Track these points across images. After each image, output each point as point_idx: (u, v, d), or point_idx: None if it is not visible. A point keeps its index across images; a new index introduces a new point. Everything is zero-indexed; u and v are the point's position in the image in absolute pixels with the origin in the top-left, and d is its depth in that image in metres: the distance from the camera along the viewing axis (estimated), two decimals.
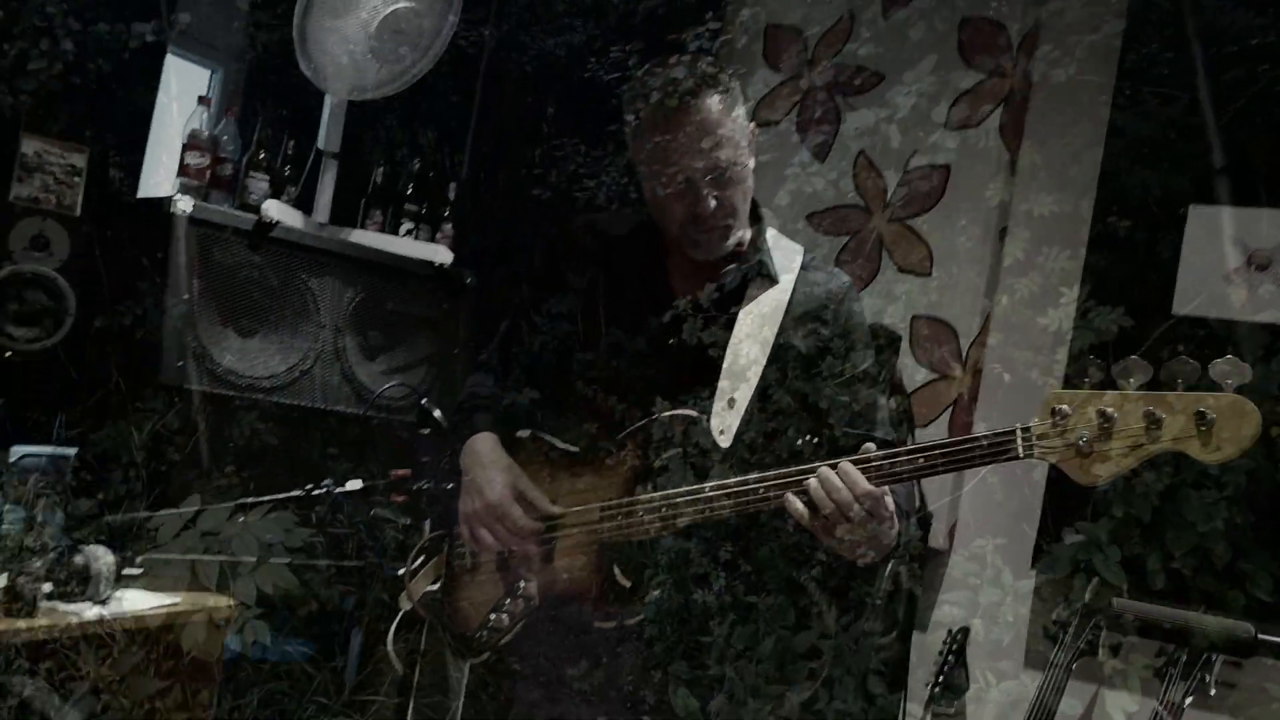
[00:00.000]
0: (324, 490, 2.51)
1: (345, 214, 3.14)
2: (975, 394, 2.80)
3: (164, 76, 3.28)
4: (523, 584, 1.87)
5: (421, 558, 2.01)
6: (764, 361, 1.90)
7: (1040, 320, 2.77)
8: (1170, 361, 1.47)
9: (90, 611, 2.33)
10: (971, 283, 2.81)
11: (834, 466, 1.65)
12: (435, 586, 2.00)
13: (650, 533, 1.78)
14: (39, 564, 2.29)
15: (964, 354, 2.79)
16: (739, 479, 1.74)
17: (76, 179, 2.80)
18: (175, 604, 2.51)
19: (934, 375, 2.82)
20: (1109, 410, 1.50)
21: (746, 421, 1.86)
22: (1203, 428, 1.44)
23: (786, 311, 1.94)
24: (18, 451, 2.91)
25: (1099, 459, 1.50)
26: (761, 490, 1.72)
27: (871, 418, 1.91)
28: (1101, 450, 1.50)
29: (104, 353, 2.68)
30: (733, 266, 1.93)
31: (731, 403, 1.88)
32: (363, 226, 3.18)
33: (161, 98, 3.30)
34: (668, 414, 1.87)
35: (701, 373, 1.90)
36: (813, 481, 1.65)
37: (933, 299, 2.84)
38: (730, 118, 1.83)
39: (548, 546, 1.85)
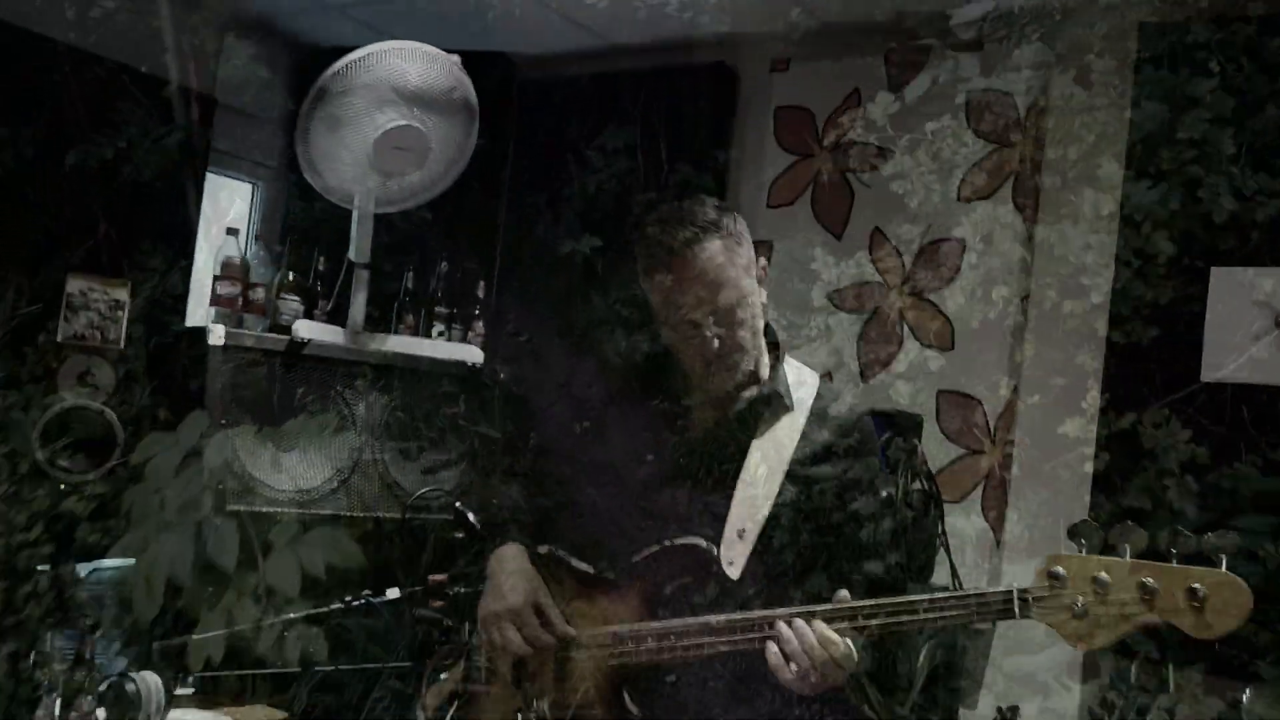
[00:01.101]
0: (362, 601, 2.58)
1: (380, 322, 3.24)
2: (1007, 466, 2.76)
3: (205, 196, 3.45)
4: (536, 702, 1.90)
5: (444, 669, 2.05)
6: (776, 491, 1.92)
7: (1065, 383, 2.73)
8: (1167, 532, 1.53)
9: None
10: (995, 354, 2.77)
11: (810, 619, 1.68)
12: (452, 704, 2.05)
13: (658, 661, 1.80)
14: (89, 700, 2.39)
15: (992, 427, 2.75)
16: (734, 616, 1.76)
17: (120, 313, 2.94)
18: None
19: (963, 451, 2.78)
20: (1104, 577, 1.53)
21: (758, 553, 1.88)
22: (1194, 604, 1.47)
23: (802, 438, 1.97)
24: (86, 568, 3.07)
25: (1094, 624, 1.54)
26: (758, 627, 1.74)
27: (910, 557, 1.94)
28: (1096, 615, 1.53)
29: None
30: (749, 394, 1.97)
31: (742, 533, 1.89)
32: (396, 332, 3.26)
33: (205, 213, 3.47)
34: (678, 542, 1.89)
35: (715, 502, 1.93)
36: (788, 635, 1.68)
37: (957, 373, 2.81)
38: (733, 260, 1.87)
39: (561, 667, 1.88)
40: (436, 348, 3.24)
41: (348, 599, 2.61)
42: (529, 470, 2.16)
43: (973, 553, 2.72)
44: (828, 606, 1.70)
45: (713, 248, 1.85)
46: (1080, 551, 1.58)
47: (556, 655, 1.88)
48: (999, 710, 2.71)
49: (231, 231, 3.06)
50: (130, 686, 2.53)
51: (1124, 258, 2.66)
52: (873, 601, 1.69)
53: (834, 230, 3.07)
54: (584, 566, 1.96)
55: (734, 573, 1.86)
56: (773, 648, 1.69)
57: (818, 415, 2.01)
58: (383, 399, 3.07)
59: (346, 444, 2.99)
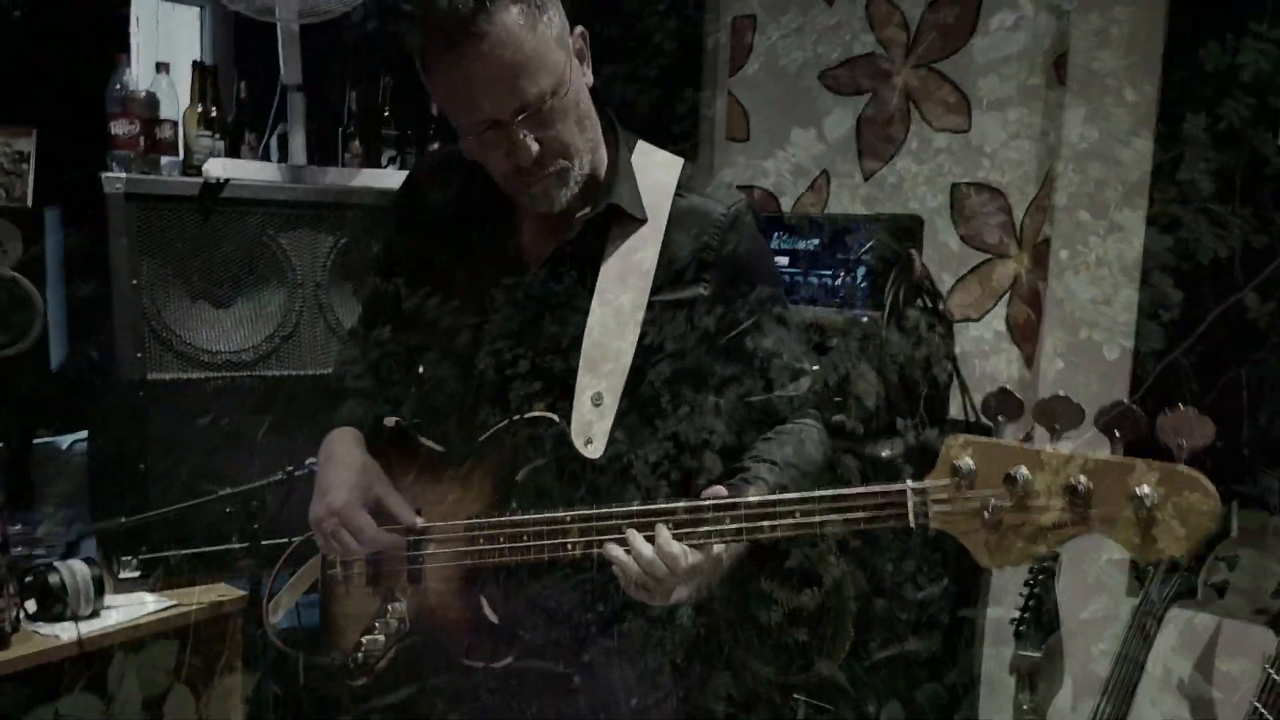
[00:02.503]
0: (305, 471, 2.32)
1: (324, 153, 2.87)
2: (1041, 269, 2.25)
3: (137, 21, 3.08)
4: (393, 604, 1.59)
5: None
6: (635, 336, 1.51)
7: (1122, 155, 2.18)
8: (1113, 409, 1.12)
9: (68, 632, 2.25)
10: (1023, 133, 2.23)
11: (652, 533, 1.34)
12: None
13: (517, 563, 1.46)
14: (10, 589, 2.21)
15: (1019, 224, 2.24)
16: (586, 513, 1.40)
17: (24, 165, 2.63)
18: (174, 605, 2.42)
19: (984, 256, 2.29)
20: (1022, 474, 1.14)
21: (624, 425, 1.50)
22: (1140, 512, 1.08)
23: (660, 258, 1.54)
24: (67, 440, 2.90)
25: (1009, 536, 1.16)
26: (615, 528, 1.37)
27: (779, 376, 1.50)
28: (1012, 524, 1.15)
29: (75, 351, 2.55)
30: (585, 212, 1.53)
31: (598, 399, 1.50)
32: (342, 163, 2.89)
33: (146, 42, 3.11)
34: (526, 416, 1.51)
35: (564, 362, 1.54)
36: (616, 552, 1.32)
37: (975, 160, 2.29)
38: (537, 32, 1.40)
39: (415, 565, 1.56)
40: (387, 177, 2.86)
41: (289, 468, 2.36)
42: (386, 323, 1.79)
43: (998, 382, 2.26)
44: (670, 506, 1.33)
45: (506, 18, 1.38)
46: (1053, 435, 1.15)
47: (409, 553, 1.55)
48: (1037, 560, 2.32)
49: (161, 67, 2.72)
50: (54, 578, 2.36)
51: None
52: (712, 501, 1.30)
53: None
54: (433, 445, 1.61)
55: (593, 452, 1.47)
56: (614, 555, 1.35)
57: (680, 220, 1.56)
58: (326, 242, 2.72)
59: (284, 295, 2.67)
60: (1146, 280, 2.07)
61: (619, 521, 1.37)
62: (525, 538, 1.44)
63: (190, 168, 2.62)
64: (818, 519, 1.26)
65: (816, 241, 2.10)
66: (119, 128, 2.53)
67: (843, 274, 2.06)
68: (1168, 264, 2.03)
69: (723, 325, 1.55)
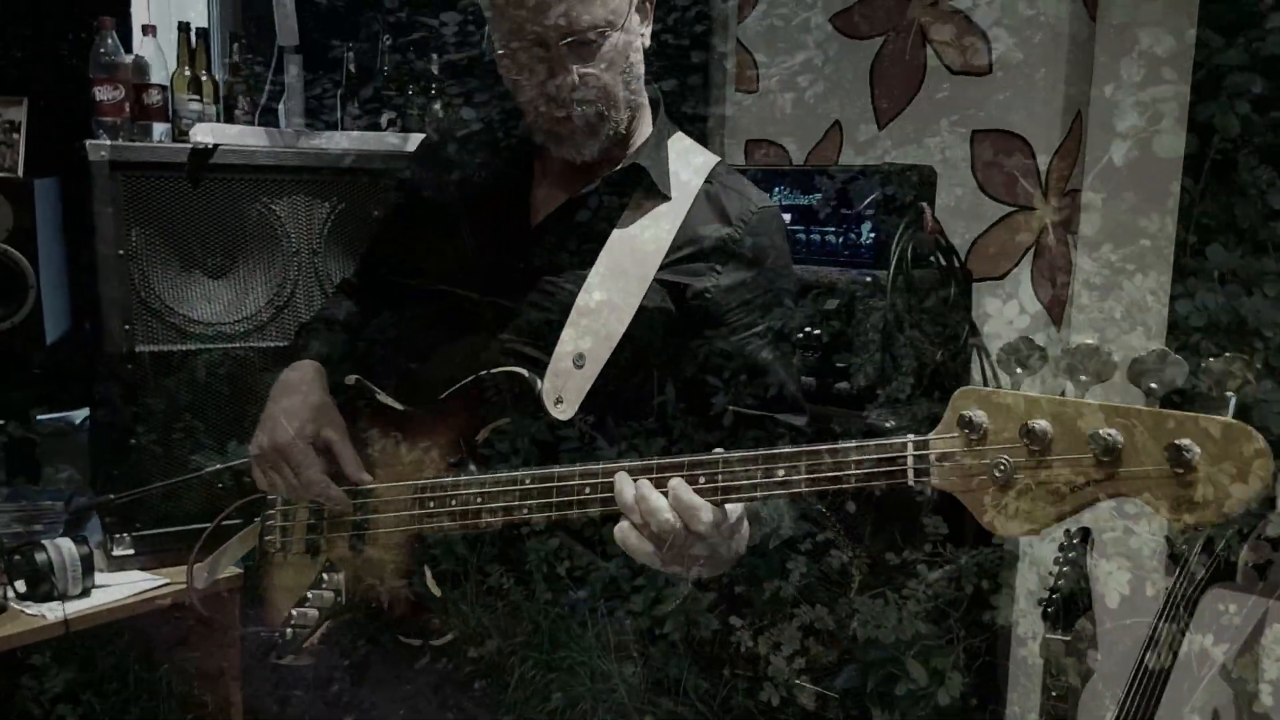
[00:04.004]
0: None
1: (323, 116, 2.78)
2: (1071, 223, 2.08)
3: None
4: (330, 575, 1.49)
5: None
6: (634, 306, 1.43)
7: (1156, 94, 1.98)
8: (1145, 357, 0.98)
9: (54, 612, 2.20)
10: (1050, 74, 2.05)
11: (662, 483, 1.18)
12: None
13: (470, 528, 1.35)
14: None
15: (1044, 173, 2.07)
16: (551, 471, 1.26)
17: (15, 135, 2.57)
18: (167, 583, 2.36)
19: (1008, 208, 2.12)
20: (1041, 427, 0.99)
21: (603, 389, 1.41)
22: (1179, 469, 0.93)
23: (677, 238, 1.46)
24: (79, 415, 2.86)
25: (1024, 499, 1.00)
26: (575, 491, 1.24)
27: (771, 392, 1.40)
28: (1027, 485, 1.00)
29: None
30: (609, 171, 1.49)
31: (580, 359, 1.41)
32: (342, 126, 2.79)
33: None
34: (495, 372, 1.41)
35: (549, 318, 1.47)
36: (627, 494, 1.16)
37: (997, 105, 2.11)
38: None
39: (357, 531, 1.46)
40: (385, 139, 2.76)
41: None
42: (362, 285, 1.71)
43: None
44: (645, 463, 1.19)
45: None
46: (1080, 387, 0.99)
47: (354, 519, 1.45)
48: (1066, 534, 2.16)
49: (148, 30, 2.65)
50: (41, 556, 2.31)
51: None
52: (688, 459, 1.17)
53: None
54: (392, 402, 1.50)
55: (563, 413, 1.38)
56: (623, 523, 1.20)
57: (705, 206, 1.49)
58: (322, 208, 2.63)
59: (280, 264, 2.58)
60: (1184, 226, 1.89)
61: (583, 481, 1.24)
62: (479, 500, 1.32)
63: (180, 134, 2.54)
64: (805, 476, 1.13)
65: (819, 196, 1.95)
66: (104, 94, 2.46)
67: (847, 230, 1.91)
68: (1209, 214, 1.85)
69: (727, 322, 1.48)
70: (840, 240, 1.92)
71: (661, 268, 1.44)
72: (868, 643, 1.31)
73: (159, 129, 2.56)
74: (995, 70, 2.11)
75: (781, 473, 1.11)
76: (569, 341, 1.41)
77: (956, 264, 1.98)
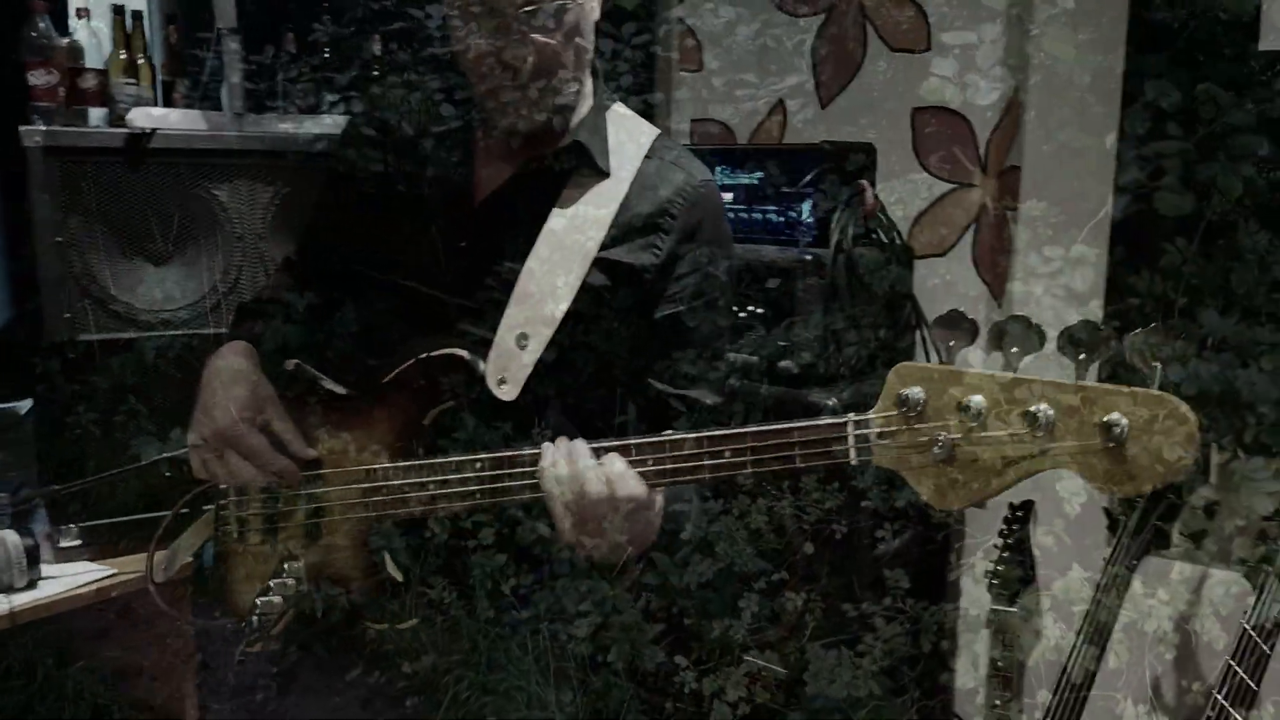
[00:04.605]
0: None
1: (263, 99, 2.74)
2: (1009, 197, 2.09)
3: None
4: (290, 563, 1.48)
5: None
6: (575, 287, 1.42)
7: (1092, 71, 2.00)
8: (1074, 327, 1.01)
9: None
10: (986, 52, 2.06)
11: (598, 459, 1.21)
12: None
13: (423, 513, 1.35)
14: None
15: (983, 150, 2.08)
16: (495, 455, 1.27)
17: None
18: (114, 573, 2.34)
19: (949, 185, 2.14)
20: (977, 403, 1.02)
21: (547, 369, 1.41)
22: (1110, 443, 0.96)
23: (617, 217, 1.46)
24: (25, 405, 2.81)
25: (962, 473, 1.02)
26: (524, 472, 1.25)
27: (694, 370, 1.41)
28: (965, 460, 1.02)
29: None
30: (547, 150, 1.48)
31: (523, 339, 1.40)
32: (284, 110, 2.75)
33: None
34: (435, 354, 1.40)
35: (492, 297, 1.46)
36: (561, 470, 1.17)
37: (936, 82, 2.12)
38: None
39: (314, 521, 1.45)
40: (328, 123, 2.73)
41: None
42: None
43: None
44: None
45: None
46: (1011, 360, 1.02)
47: (307, 506, 1.44)
48: (1010, 508, 2.19)
49: (81, 14, 2.59)
50: None
51: None
52: (636, 441, 1.18)
53: None
54: (335, 387, 1.49)
55: (507, 394, 1.38)
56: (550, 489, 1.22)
57: (645, 182, 1.49)
58: (266, 193, 2.60)
59: (223, 249, 2.56)
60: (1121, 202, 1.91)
61: (530, 460, 1.26)
62: (430, 486, 1.32)
63: (118, 119, 2.50)
64: (749, 458, 1.15)
65: (760, 175, 1.96)
66: (38, 78, 2.40)
67: (787, 209, 1.92)
68: (1141, 184, 1.87)
69: (662, 298, 1.48)
70: (781, 219, 1.93)
71: (602, 247, 1.43)
72: (816, 695, 1.31)
73: (96, 114, 2.52)
74: (935, 48, 2.12)
75: (728, 454, 1.12)
76: (511, 321, 1.40)
77: (897, 241, 2.00)
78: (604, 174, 1.46)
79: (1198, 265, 1.72)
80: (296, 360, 1.55)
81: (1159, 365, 1.01)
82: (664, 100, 2.59)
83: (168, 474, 2.36)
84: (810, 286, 1.81)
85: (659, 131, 1.56)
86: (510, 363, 1.38)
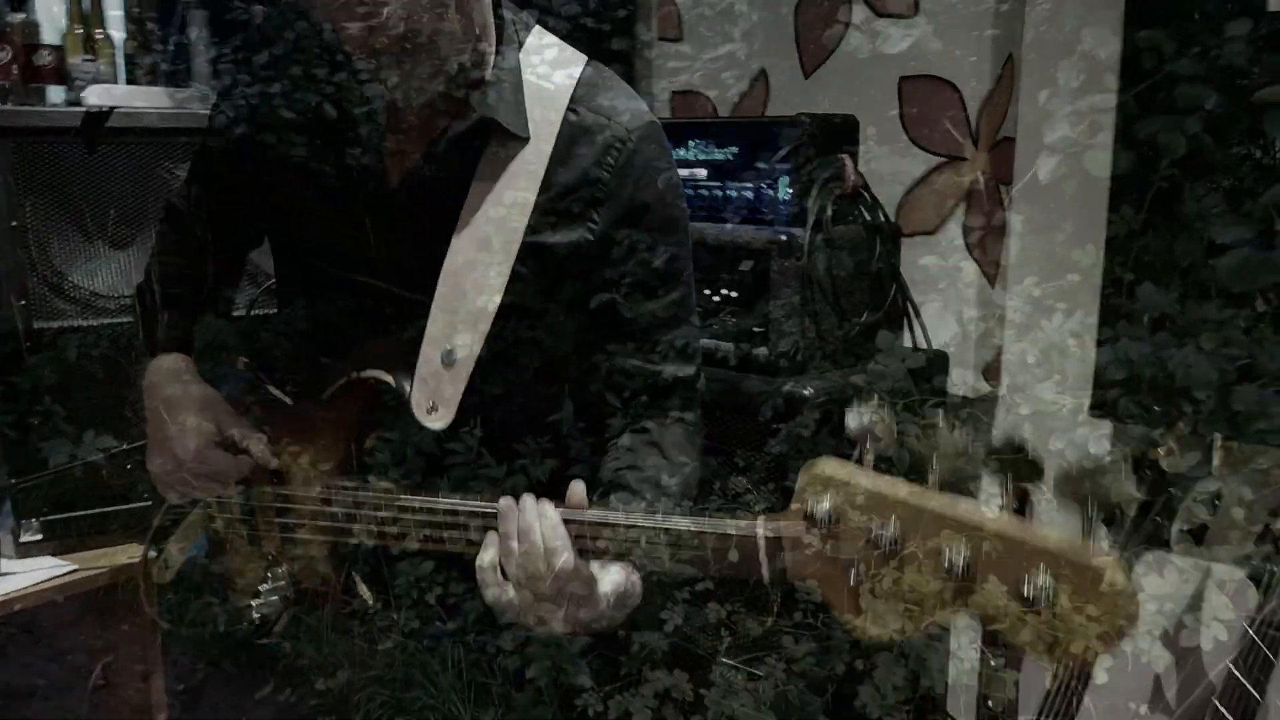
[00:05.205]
0: None
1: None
2: (1003, 174, 1.97)
3: None
4: (275, 570, 1.40)
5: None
6: (503, 281, 1.26)
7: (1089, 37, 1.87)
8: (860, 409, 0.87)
9: None
10: (979, 15, 1.94)
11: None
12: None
13: (379, 543, 1.25)
14: None
15: (974, 121, 1.96)
16: (429, 502, 1.16)
17: None
18: (74, 569, 2.26)
19: (938, 159, 2.02)
20: (888, 535, 0.86)
21: (481, 390, 1.26)
22: (1028, 608, 0.81)
23: (540, 190, 1.27)
24: None
25: (878, 602, 0.87)
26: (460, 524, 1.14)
27: (664, 348, 1.28)
28: (882, 591, 0.87)
29: None
30: (457, 126, 1.28)
31: (449, 357, 1.25)
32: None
33: None
34: (363, 375, 1.30)
35: (413, 307, 1.30)
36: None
37: (925, 48, 2.00)
38: None
39: (285, 535, 1.36)
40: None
41: None
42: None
43: (954, 306, 2.00)
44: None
45: None
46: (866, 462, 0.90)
47: (278, 518, 1.34)
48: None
49: None
50: None
51: None
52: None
53: None
54: (281, 396, 1.39)
55: (439, 420, 1.24)
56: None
57: (570, 142, 1.28)
58: None
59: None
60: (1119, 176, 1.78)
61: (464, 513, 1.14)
62: (379, 520, 1.22)
63: (75, 97, 2.41)
64: (665, 554, 1.02)
65: (735, 150, 1.84)
66: None
67: (763, 186, 1.80)
68: (1145, 155, 1.74)
69: (605, 280, 1.31)
70: (756, 196, 1.81)
71: (530, 230, 1.26)
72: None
73: (55, 92, 2.42)
74: (921, 12, 2.00)
75: (643, 544, 1.01)
76: (435, 333, 1.24)
77: (882, 219, 1.88)
78: (523, 138, 1.26)
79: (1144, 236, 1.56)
80: (245, 359, 1.46)
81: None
82: (644, 68, 2.48)
83: (129, 467, 2.29)
84: (785, 269, 1.70)
85: (583, 62, 1.34)
86: (439, 385, 1.24)
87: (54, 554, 2.35)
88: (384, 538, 1.18)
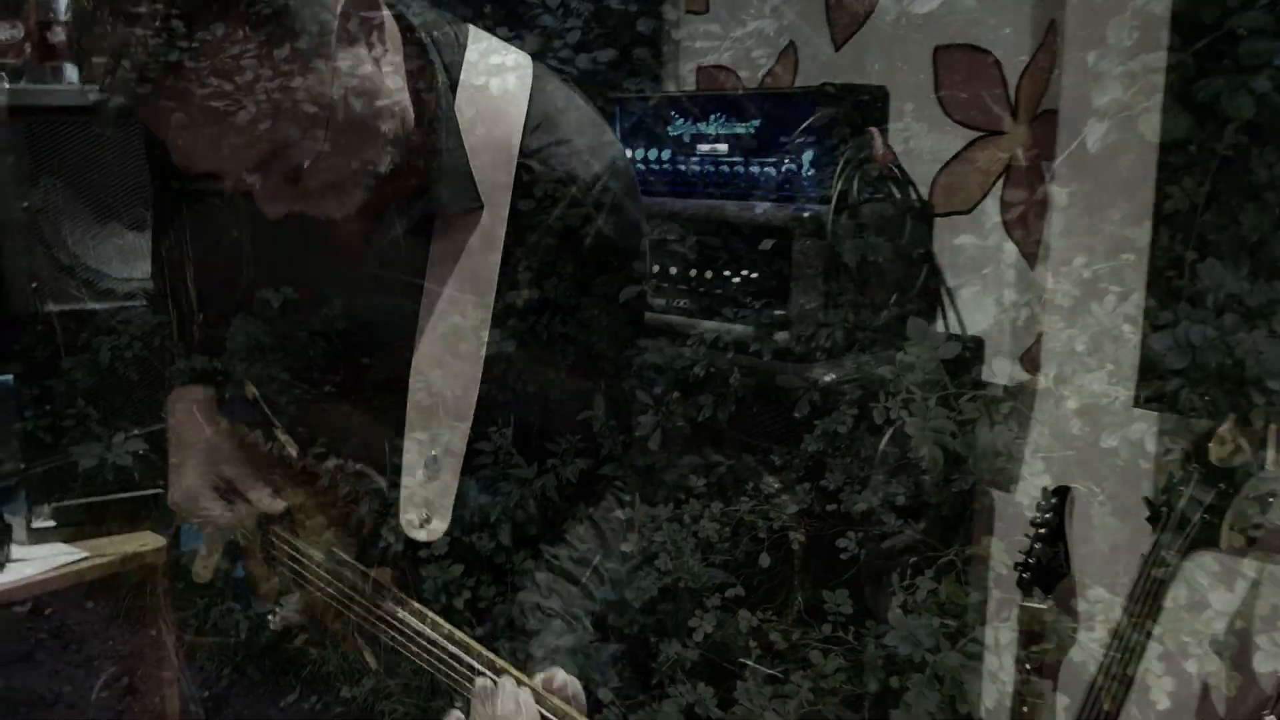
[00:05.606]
0: None
1: None
2: (1043, 150, 1.86)
3: None
4: (286, 597, 1.34)
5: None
6: (479, 366, 1.15)
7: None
8: None
9: None
10: None
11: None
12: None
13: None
14: None
15: (1013, 93, 1.85)
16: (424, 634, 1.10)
17: None
18: (86, 557, 2.23)
19: (976, 133, 1.91)
20: None
21: (472, 499, 1.18)
22: None
23: (504, 257, 1.16)
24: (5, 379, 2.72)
25: None
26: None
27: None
28: None
29: None
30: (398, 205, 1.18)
31: (433, 465, 1.15)
32: None
33: None
34: (355, 467, 1.21)
35: (394, 403, 1.20)
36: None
37: (962, 17, 1.89)
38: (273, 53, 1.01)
39: (299, 573, 1.30)
40: None
41: None
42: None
43: (994, 288, 1.89)
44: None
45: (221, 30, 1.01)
46: None
47: (290, 560, 1.29)
48: (1043, 492, 1.97)
49: None
50: None
51: None
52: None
53: None
54: (290, 444, 1.30)
55: (433, 533, 1.16)
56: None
57: (527, 198, 1.17)
58: None
59: None
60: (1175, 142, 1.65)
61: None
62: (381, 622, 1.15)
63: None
64: None
65: (758, 123, 1.75)
66: (2, 32, 2.28)
67: (785, 161, 1.70)
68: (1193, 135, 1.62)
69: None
70: (778, 172, 1.71)
71: (497, 306, 1.14)
72: None
73: (72, 70, 2.39)
74: None
75: None
76: (416, 439, 1.14)
77: (913, 197, 1.78)
78: (477, 207, 1.14)
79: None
80: (256, 392, 1.38)
81: None
82: (671, 46, 2.39)
83: (141, 453, 2.25)
84: (808, 248, 1.60)
85: (529, 66, 1.20)
86: (428, 494, 1.14)
87: (65, 540, 2.33)
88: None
